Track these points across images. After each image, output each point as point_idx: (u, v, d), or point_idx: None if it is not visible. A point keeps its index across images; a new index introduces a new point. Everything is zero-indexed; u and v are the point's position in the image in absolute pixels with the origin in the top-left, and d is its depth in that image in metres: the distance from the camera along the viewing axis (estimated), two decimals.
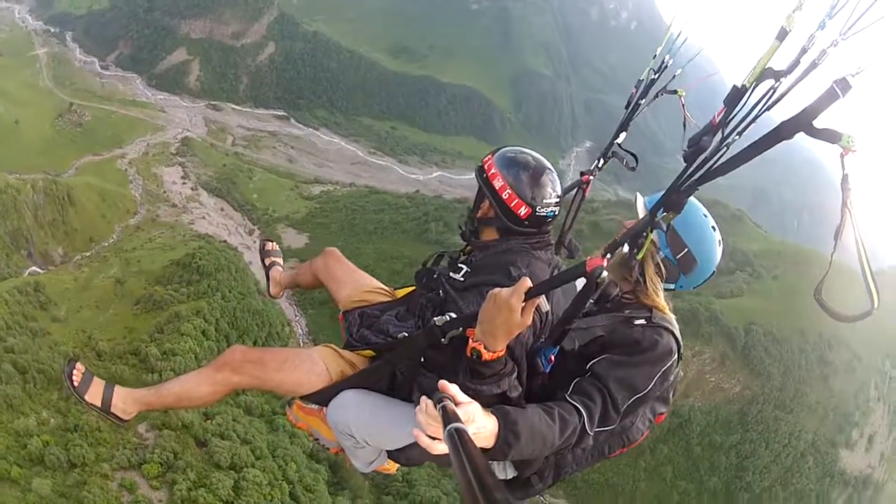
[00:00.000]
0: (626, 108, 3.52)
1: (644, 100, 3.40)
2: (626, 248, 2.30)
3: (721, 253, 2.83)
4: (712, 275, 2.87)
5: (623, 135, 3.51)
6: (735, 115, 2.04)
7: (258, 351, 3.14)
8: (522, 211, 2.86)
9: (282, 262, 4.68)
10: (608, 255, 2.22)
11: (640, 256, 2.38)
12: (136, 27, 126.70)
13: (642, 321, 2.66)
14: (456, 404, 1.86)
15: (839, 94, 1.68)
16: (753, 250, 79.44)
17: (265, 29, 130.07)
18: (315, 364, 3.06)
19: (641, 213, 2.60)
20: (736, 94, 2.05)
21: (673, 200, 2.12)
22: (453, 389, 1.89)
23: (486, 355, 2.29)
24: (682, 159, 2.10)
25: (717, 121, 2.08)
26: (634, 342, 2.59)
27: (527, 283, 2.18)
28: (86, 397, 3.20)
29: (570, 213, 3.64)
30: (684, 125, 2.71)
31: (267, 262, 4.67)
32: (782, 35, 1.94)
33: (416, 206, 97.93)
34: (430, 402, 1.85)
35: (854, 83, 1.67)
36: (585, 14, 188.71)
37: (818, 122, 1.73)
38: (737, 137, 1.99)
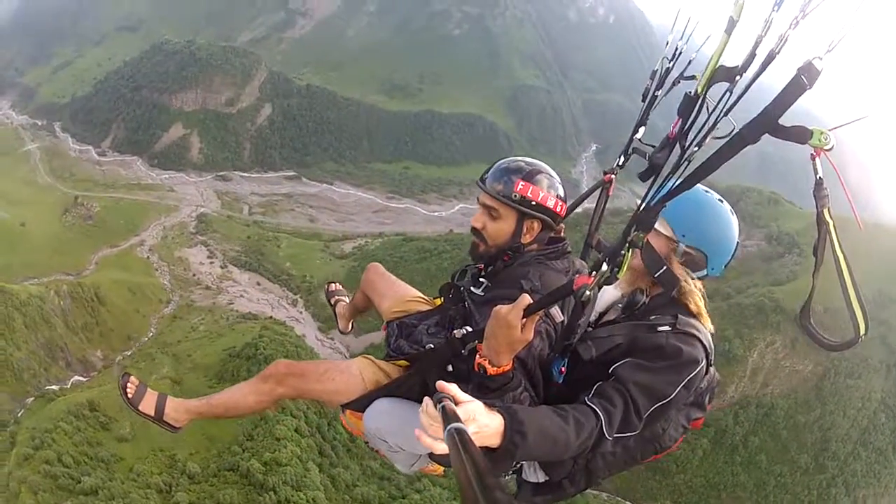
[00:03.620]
0: (643, 100, 3.18)
1: (661, 91, 3.10)
2: (604, 267, 2.25)
3: (737, 223, 2.74)
4: (738, 247, 2.77)
5: (642, 129, 3.25)
6: (691, 125, 1.89)
7: (301, 364, 3.36)
8: (558, 209, 2.98)
9: (346, 298, 4.77)
10: (594, 273, 2.25)
11: (620, 275, 2.29)
12: (126, 108, 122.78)
13: (666, 327, 2.59)
14: (456, 403, 1.86)
15: (806, 84, 1.52)
16: (796, 229, 78.93)
17: (258, 91, 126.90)
18: (352, 374, 3.22)
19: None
20: (689, 103, 1.92)
21: (643, 219, 2.10)
22: (453, 389, 1.89)
23: (491, 370, 2.37)
24: (639, 178, 2.12)
25: (674, 133, 1.95)
26: (657, 347, 2.52)
27: (526, 300, 2.25)
28: (140, 407, 3.47)
29: (596, 214, 3.63)
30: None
31: (333, 301, 4.84)
32: (731, 27, 1.69)
33: (456, 248, 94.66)
34: (430, 401, 1.86)
35: (822, 66, 1.49)
36: (564, 17, 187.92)
37: (784, 120, 1.60)
38: (696, 149, 1.84)
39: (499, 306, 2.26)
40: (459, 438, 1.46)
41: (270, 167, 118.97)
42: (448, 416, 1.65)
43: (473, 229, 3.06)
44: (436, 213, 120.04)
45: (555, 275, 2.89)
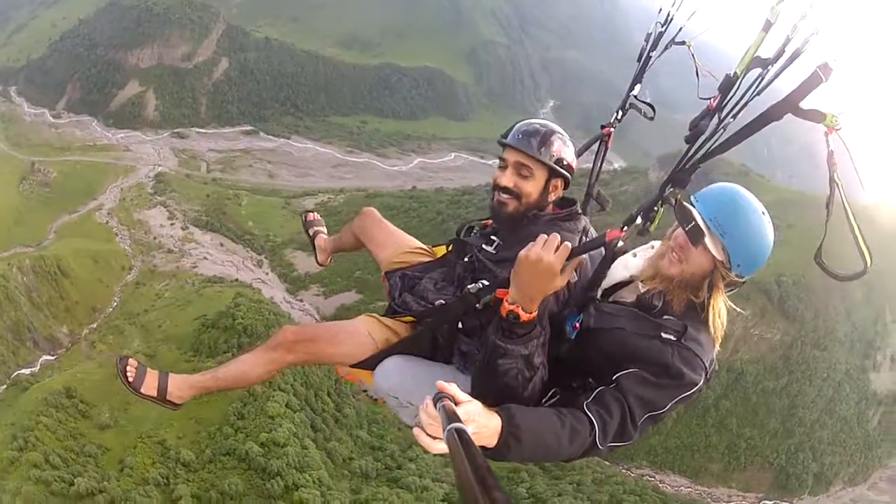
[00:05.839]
0: (638, 60, 3.54)
1: (654, 52, 3.45)
2: (639, 221, 2.48)
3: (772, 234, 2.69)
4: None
5: (638, 87, 3.57)
6: (729, 100, 2.28)
7: (309, 329, 3.41)
8: (574, 168, 3.16)
9: (325, 230, 4.84)
10: (625, 227, 2.47)
11: (652, 228, 2.51)
12: (82, 67, 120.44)
13: (672, 337, 2.57)
14: (456, 404, 1.89)
15: (822, 78, 1.92)
16: (766, 202, 78.58)
17: (215, 45, 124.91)
18: (362, 335, 3.25)
19: (707, 233, 2.52)
20: (728, 82, 2.29)
21: (678, 178, 2.38)
22: (453, 389, 1.93)
23: (524, 316, 2.40)
24: (684, 141, 2.35)
25: (714, 106, 2.31)
26: (664, 365, 2.53)
27: (568, 246, 2.34)
28: (142, 390, 3.40)
29: (596, 165, 3.75)
30: (697, 74, 2.90)
31: (311, 231, 4.85)
32: (767, 26, 2.21)
33: (424, 206, 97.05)
34: (430, 401, 1.89)
35: (835, 67, 1.91)
36: None
37: (804, 104, 1.99)
38: (731, 120, 2.26)
39: (537, 252, 2.32)
40: (460, 438, 1.48)
41: (228, 122, 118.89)
42: (448, 416, 1.69)
43: (502, 188, 3.09)
44: (395, 168, 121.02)
45: (569, 235, 2.88)
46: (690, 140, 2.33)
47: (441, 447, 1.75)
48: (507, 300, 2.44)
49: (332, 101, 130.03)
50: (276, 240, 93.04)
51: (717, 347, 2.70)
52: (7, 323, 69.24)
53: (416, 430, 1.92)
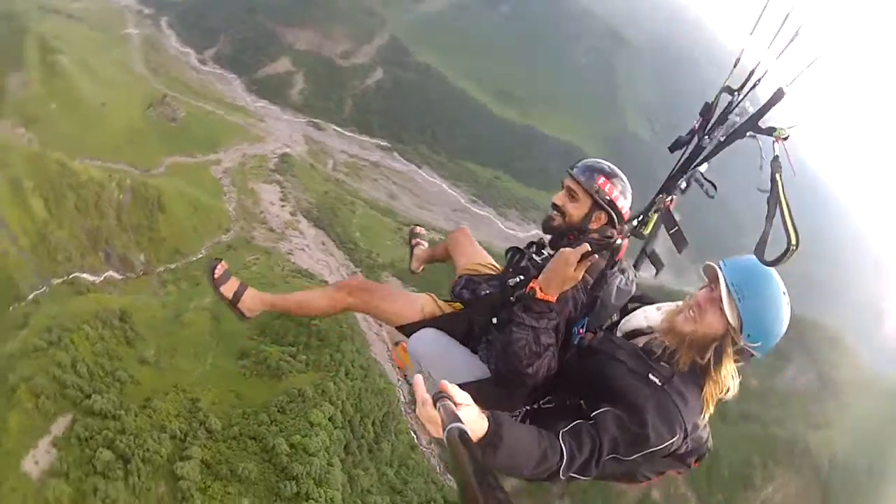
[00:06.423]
0: (705, 134, 3.34)
1: (720, 130, 3.31)
2: (635, 223, 3.04)
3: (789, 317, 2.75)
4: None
5: (705, 165, 3.44)
6: (708, 121, 2.78)
7: (372, 283, 3.81)
8: (623, 212, 3.59)
9: (426, 243, 5.37)
10: (623, 228, 3.09)
11: (646, 230, 3.01)
12: (238, 26, 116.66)
13: (657, 381, 2.66)
14: (455, 405, 1.94)
15: (777, 100, 2.45)
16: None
17: (375, 52, 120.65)
18: (414, 304, 3.64)
19: (725, 296, 2.68)
20: (707, 108, 2.85)
21: (667, 186, 2.88)
22: (453, 390, 2.01)
23: (539, 294, 2.86)
24: (668, 150, 2.91)
25: (697, 127, 2.80)
26: (640, 413, 2.59)
27: (586, 246, 2.82)
28: (221, 289, 3.87)
29: (654, 225, 3.66)
30: (761, 167, 2.90)
31: (413, 242, 5.46)
32: (736, 62, 2.75)
33: None
34: (429, 400, 1.95)
35: (788, 91, 2.42)
36: (692, 82, 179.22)
37: (763, 123, 2.51)
38: (707, 139, 2.80)
39: (566, 249, 2.85)
40: (461, 438, 1.51)
41: (366, 131, 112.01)
42: (449, 416, 1.71)
43: (553, 205, 3.58)
44: (512, 231, 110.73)
45: (601, 260, 3.24)
46: (673, 148, 2.85)
47: (435, 426, 1.87)
48: (534, 281, 2.94)
49: (471, 146, 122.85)
50: (378, 259, 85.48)
51: (705, 417, 2.76)
52: (86, 227, 67.70)
53: (416, 379, 2.09)
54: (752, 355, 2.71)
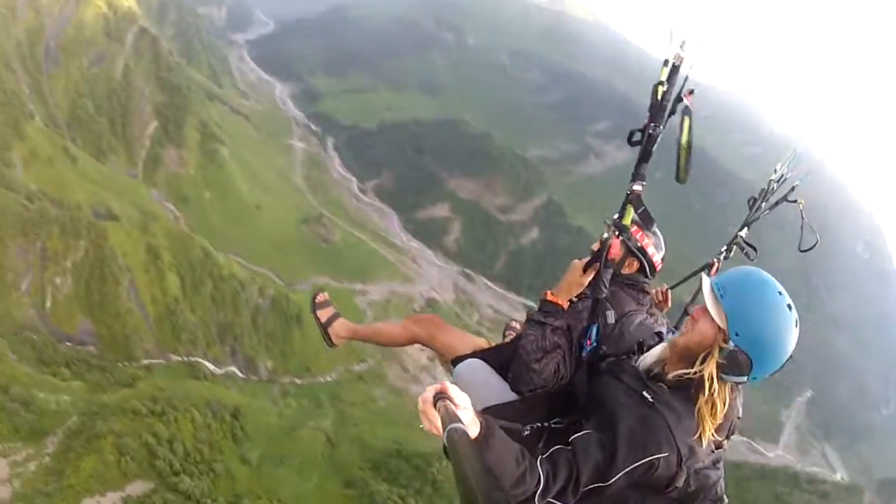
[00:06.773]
0: (750, 208, 4.13)
1: (766, 203, 3.99)
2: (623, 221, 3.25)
3: (796, 335, 2.52)
4: (787, 361, 2.58)
5: (745, 230, 4.05)
6: (653, 121, 2.98)
7: (439, 318, 4.09)
8: (654, 262, 3.64)
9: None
10: (606, 221, 3.28)
11: (625, 221, 3.18)
12: (403, 163, 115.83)
13: (649, 397, 2.61)
14: (455, 406, 1.94)
15: (686, 95, 2.82)
16: None
17: (532, 211, 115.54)
18: (468, 341, 3.85)
19: (707, 294, 2.60)
20: (651, 106, 3.02)
21: (635, 174, 3.04)
22: (453, 391, 2.01)
23: (549, 297, 3.11)
24: (628, 143, 3.06)
25: (645, 126, 3.00)
26: (617, 423, 2.52)
27: (590, 258, 3.12)
28: (317, 313, 4.42)
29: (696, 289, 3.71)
30: (802, 229, 3.64)
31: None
32: (666, 63, 2.94)
33: None
34: (430, 400, 1.96)
35: (689, 102, 2.82)
36: (842, 253, 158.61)
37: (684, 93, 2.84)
38: (654, 130, 3.00)
39: (577, 259, 3.16)
40: (461, 438, 1.53)
41: (515, 288, 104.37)
42: (450, 416, 1.73)
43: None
44: None
45: (625, 296, 3.45)
46: (630, 143, 3.02)
47: (434, 426, 1.88)
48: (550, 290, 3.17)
49: None
50: None
51: (702, 438, 2.55)
52: (218, 318, 67.25)
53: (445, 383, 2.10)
54: (749, 364, 2.46)
